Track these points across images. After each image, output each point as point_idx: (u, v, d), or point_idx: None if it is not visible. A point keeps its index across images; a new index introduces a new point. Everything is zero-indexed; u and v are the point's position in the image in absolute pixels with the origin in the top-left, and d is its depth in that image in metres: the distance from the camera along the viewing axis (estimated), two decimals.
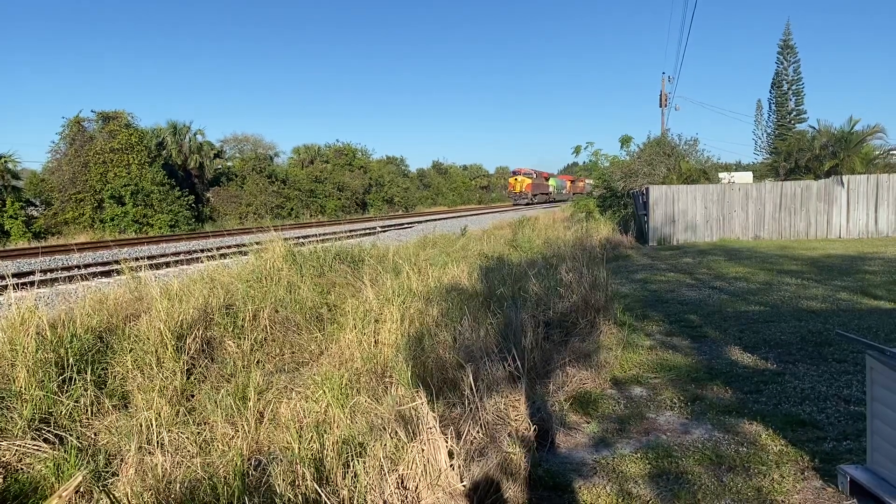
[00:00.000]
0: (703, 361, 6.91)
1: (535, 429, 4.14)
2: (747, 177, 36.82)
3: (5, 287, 7.10)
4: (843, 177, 22.22)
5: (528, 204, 68.32)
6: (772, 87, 68.64)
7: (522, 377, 5.22)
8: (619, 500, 3.99)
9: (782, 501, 3.92)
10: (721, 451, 4.66)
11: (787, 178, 28.67)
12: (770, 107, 69.70)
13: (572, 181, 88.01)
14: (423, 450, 3.39)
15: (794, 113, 66.58)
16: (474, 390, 4.41)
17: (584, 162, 32.78)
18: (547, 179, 77.53)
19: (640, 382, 6.27)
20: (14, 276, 8.26)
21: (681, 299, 10.61)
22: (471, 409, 4.32)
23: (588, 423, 5.24)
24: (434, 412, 3.76)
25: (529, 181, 70.04)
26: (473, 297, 8.51)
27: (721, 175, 30.87)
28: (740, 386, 6.06)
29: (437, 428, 3.53)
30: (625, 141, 30.12)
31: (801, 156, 29.73)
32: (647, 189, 23.07)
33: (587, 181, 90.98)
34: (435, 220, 37.43)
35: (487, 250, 15.39)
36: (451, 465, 3.45)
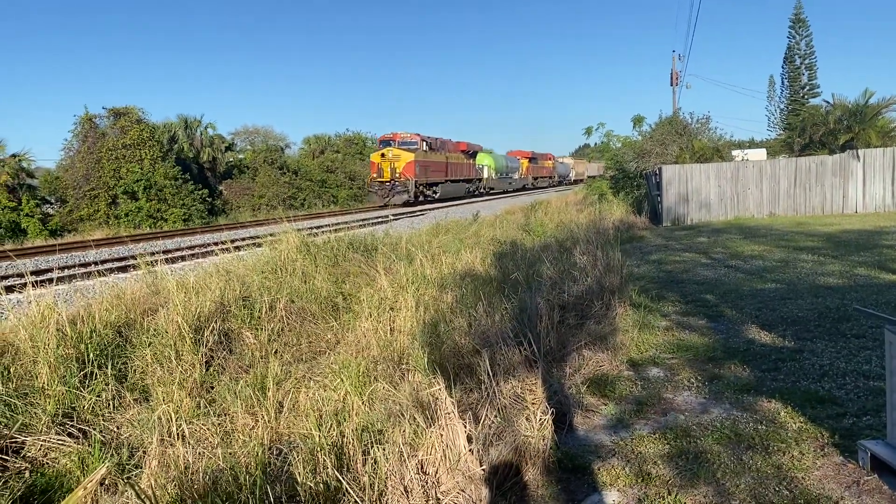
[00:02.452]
0: (720, 340, 6.89)
1: (552, 412, 4.15)
2: (761, 153, 36.48)
3: (24, 285, 7.17)
4: (859, 151, 21.95)
5: (407, 203, 38.02)
6: (784, 62, 67.79)
7: (539, 361, 5.23)
8: (639, 481, 4.00)
9: (802, 478, 3.91)
10: (740, 430, 4.65)
11: (801, 153, 28.36)
12: (783, 82, 68.87)
13: (532, 159, 68.37)
14: (441, 435, 3.41)
15: (808, 88, 65.71)
16: (491, 375, 4.43)
17: (596, 143, 32.66)
18: (469, 156, 50.31)
19: (656, 363, 6.26)
20: (33, 273, 8.35)
21: (696, 279, 10.56)
22: (488, 393, 4.34)
23: (605, 405, 5.25)
24: (452, 397, 3.77)
25: (411, 158, 38.37)
26: (487, 282, 8.51)
27: (734, 153, 30.62)
28: (758, 364, 6.04)
29: (456, 413, 3.55)
30: (637, 121, 29.94)
31: (816, 131, 29.39)
32: (659, 169, 22.92)
33: (564, 160, 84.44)
34: (447, 206, 37.38)
35: (500, 235, 15.37)
36: (469, 450, 3.47)
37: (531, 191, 64.40)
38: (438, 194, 42.52)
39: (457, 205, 39.24)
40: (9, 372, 5.52)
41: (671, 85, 36.96)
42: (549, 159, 77.63)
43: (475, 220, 19.94)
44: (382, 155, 39.01)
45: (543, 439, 3.98)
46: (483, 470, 3.51)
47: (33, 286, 6.94)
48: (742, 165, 22.85)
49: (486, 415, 4.07)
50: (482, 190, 53.76)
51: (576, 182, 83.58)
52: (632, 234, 18.23)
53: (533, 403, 4.34)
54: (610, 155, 30.64)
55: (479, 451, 3.59)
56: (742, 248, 13.88)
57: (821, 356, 6.11)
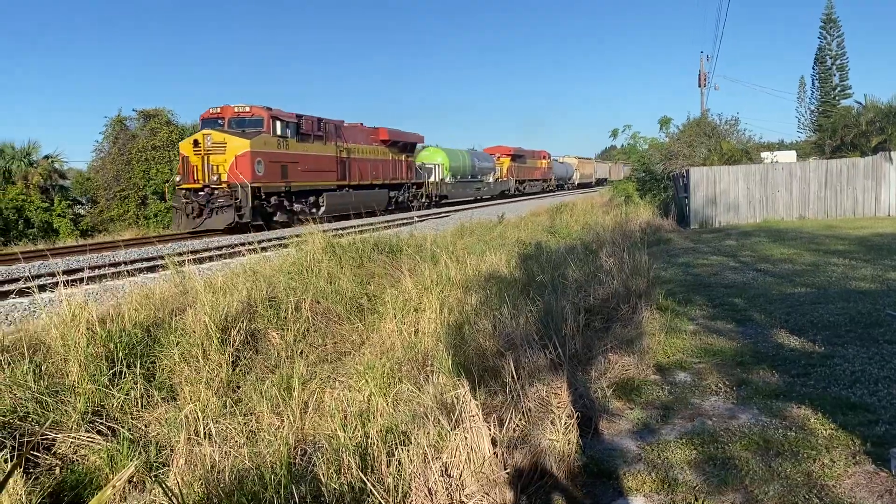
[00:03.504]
0: (748, 345, 6.79)
1: (578, 416, 4.13)
2: (791, 156, 35.98)
3: (56, 284, 7.30)
4: (892, 153, 21.52)
5: (237, 226, 22.65)
6: (815, 62, 66.65)
7: (564, 364, 5.20)
8: (665, 487, 3.95)
9: (833, 487, 3.84)
10: (769, 436, 4.57)
11: (832, 155, 27.90)
12: (813, 83, 67.71)
13: (515, 157, 55.20)
14: (466, 437, 3.41)
15: (839, 89, 64.55)
16: (516, 378, 4.41)
17: (623, 145, 32.43)
18: (399, 150, 35.87)
19: (683, 368, 6.19)
20: (64, 273, 8.50)
21: (724, 282, 10.42)
22: (512, 396, 4.33)
23: (631, 409, 5.20)
24: (476, 400, 3.77)
25: (245, 148, 22.78)
26: (512, 284, 8.48)
27: (763, 154, 30.23)
28: (787, 369, 5.94)
29: (480, 416, 3.54)
30: (664, 122, 29.65)
31: (847, 132, 28.92)
32: (687, 171, 22.69)
33: (565, 159, 72.29)
34: (472, 208, 37.27)
35: (525, 237, 15.32)
36: (494, 453, 3.46)
37: (516, 198, 51.71)
38: (323, 208, 27.21)
39: (482, 206, 38.39)
40: (41, 370, 5.62)
41: (699, 86, 36.68)
42: (543, 157, 64.24)
43: (500, 222, 19.91)
44: (196, 143, 22.81)
45: (569, 444, 3.96)
46: (507, 473, 3.49)
47: (65, 285, 7.06)
48: (771, 168, 22.53)
49: (511, 418, 4.05)
50: (424, 199, 38.54)
51: (582, 186, 75.06)
52: (658, 236, 18.06)
53: (558, 407, 4.32)
54: (636, 157, 30.39)
55: (503, 455, 3.58)
56: (771, 252, 13.68)
57: (852, 362, 6.00)
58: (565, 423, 3.99)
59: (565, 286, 7.78)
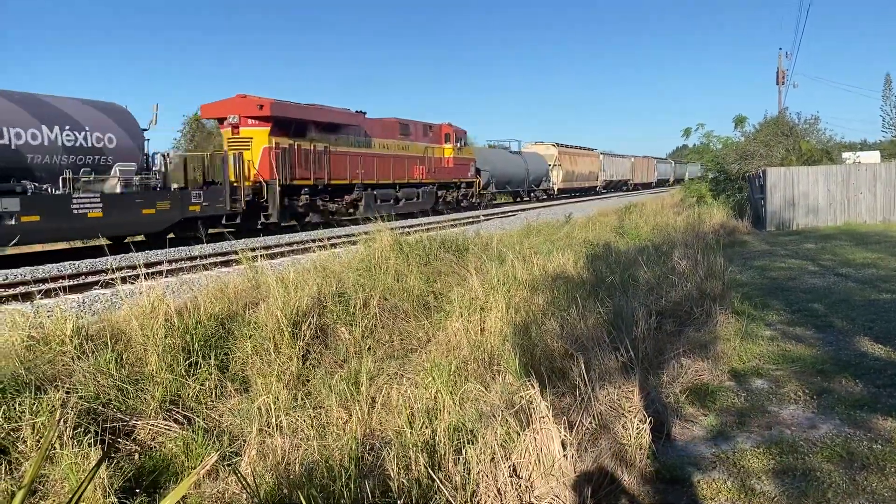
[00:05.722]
0: (829, 353, 6.51)
1: (650, 420, 4.02)
2: (874, 156, 34.38)
3: (137, 276, 7.59)
4: None
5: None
6: None
7: (636, 367, 5.08)
8: (742, 496, 3.82)
9: None
10: (852, 448, 4.37)
11: None
12: None
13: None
14: (536, 439, 3.36)
15: None
16: (586, 380, 4.33)
17: (695, 144, 31.60)
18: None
19: (760, 374, 5.97)
20: (145, 265, 8.83)
21: (803, 287, 10.02)
22: (582, 398, 4.25)
23: (705, 415, 5.05)
24: (545, 401, 3.71)
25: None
26: (580, 285, 8.35)
27: (845, 155, 28.98)
28: (872, 379, 5.67)
29: (551, 417, 3.49)
30: (739, 121, 28.71)
31: None
32: (763, 171, 21.93)
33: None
34: (538, 207, 36.96)
35: (592, 238, 15.08)
36: (564, 455, 3.40)
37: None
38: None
39: (548, 206, 38.02)
40: (122, 359, 5.83)
41: (777, 84, 35.36)
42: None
43: (567, 222, 19.68)
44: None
45: (641, 448, 3.87)
46: (578, 476, 3.43)
47: (145, 278, 7.32)
48: (854, 168, 21.55)
49: (581, 420, 3.98)
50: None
51: (641, 188, 67.18)
52: (733, 238, 17.50)
53: (629, 411, 4.22)
54: (710, 156, 29.53)
55: (573, 457, 3.52)
56: (853, 256, 13.07)
57: None
58: (637, 428, 3.90)
59: (636, 288, 7.62)
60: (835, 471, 4.07)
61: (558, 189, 49.80)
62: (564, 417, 3.97)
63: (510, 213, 31.59)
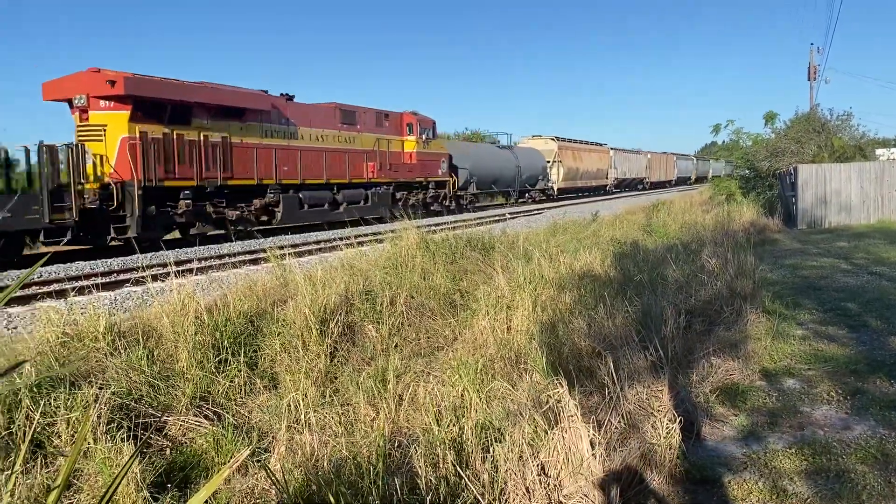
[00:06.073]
0: (863, 352, 6.39)
1: (680, 420, 3.98)
2: None
3: (167, 274, 7.69)
4: None
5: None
6: None
7: (665, 367, 5.03)
8: (773, 498, 3.76)
9: None
10: (888, 450, 4.29)
11: None
12: None
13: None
14: (564, 437, 3.35)
15: None
16: (615, 379, 4.30)
17: (724, 141, 31.22)
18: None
19: (792, 374, 5.88)
20: (175, 263, 8.96)
21: (836, 286, 9.84)
22: (610, 397, 4.22)
23: (736, 415, 4.98)
24: (574, 400, 3.70)
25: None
26: (607, 284, 8.30)
27: (879, 151, 28.42)
28: None
29: (579, 416, 3.47)
30: (769, 118, 28.28)
31: None
32: (794, 169, 21.59)
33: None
34: (565, 205, 36.54)
35: (620, 236, 14.97)
36: (593, 454, 3.38)
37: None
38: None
39: (575, 204, 37.40)
40: (153, 355, 5.91)
41: (808, 80, 34.75)
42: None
43: (594, 220, 19.55)
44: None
45: (670, 448, 3.83)
46: (606, 475, 3.41)
47: (175, 276, 7.42)
48: (888, 165, 21.11)
49: (609, 420, 3.96)
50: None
51: (658, 187, 61.69)
52: (763, 236, 17.25)
53: (659, 410, 4.18)
54: (740, 153, 29.14)
55: (602, 457, 3.49)
56: (888, 254, 12.81)
57: None
58: (667, 427, 3.87)
59: (664, 286, 7.55)
60: (869, 472, 4.00)
61: (559, 189, 43.80)
62: (593, 416, 3.94)
63: (535, 212, 31.18)
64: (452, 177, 30.98)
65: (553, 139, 44.42)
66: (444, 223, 21.26)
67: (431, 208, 29.66)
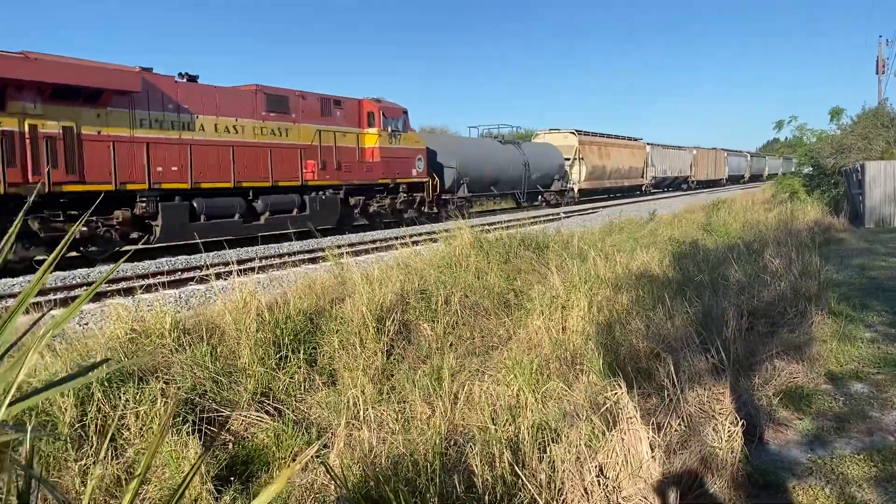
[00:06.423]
0: None
1: (742, 423, 3.90)
2: None
3: (229, 273, 7.90)
4: None
5: None
6: None
7: (727, 369, 4.93)
8: None
9: None
10: None
11: None
12: None
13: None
14: (623, 439, 3.32)
15: None
16: (675, 381, 4.24)
17: (787, 138, 30.28)
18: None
19: (860, 378, 5.69)
20: (237, 262, 9.20)
21: None
22: (671, 399, 4.17)
23: (800, 419, 4.85)
24: (633, 401, 3.66)
25: None
26: (666, 284, 8.17)
27: None
28: None
29: (638, 418, 3.44)
30: (835, 113, 27.31)
31: None
32: (861, 165, 20.82)
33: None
34: (620, 204, 35.52)
35: (678, 235, 14.71)
36: (652, 457, 3.34)
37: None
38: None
39: (629, 203, 36.16)
40: (216, 351, 6.08)
41: (876, 73, 33.47)
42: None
43: (651, 219, 19.26)
44: None
45: (732, 452, 3.76)
46: (666, 478, 3.37)
47: (237, 274, 7.62)
48: None
49: (669, 422, 3.90)
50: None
51: (706, 186, 56.79)
52: (828, 236, 16.70)
53: (720, 413, 4.11)
54: (804, 150, 28.24)
55: (661, 459, 3.45)
56: None
57: None
58: (729, 431, 3.79)
59: (726, 287, 7.39)
60: None
61: (581, 190, 38.19)
62: (651, 419, 3.90)
63: (589, 211, 30.57)
64: (434, 177, 25.46)
65: (573, 133, 38.61)
66: (417, 234, 17.07)
67: (405, 215, 24.33)
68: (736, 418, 3.95)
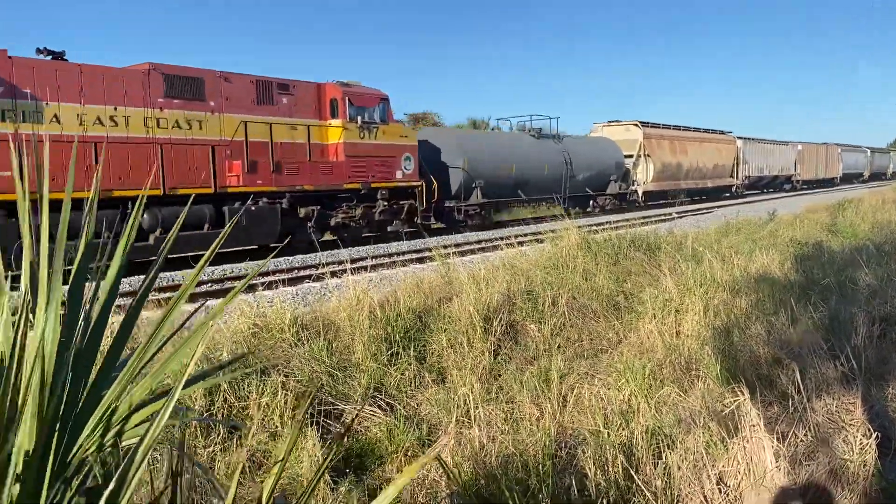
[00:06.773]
0: None
1: (876, 435, 3.67)
2: None
3: (343, 271, 8.19)
4: None
5: None
6: None
7: (858, 378, 4.65)
8: None
9: None
10: None
11: None
12: None
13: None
14: (745, 447, 3.20)
15: None
16: (801, 389, 4.04)
17: None
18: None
19: None
20: (351, 261, 9.52)
21: None
22: (795, 409, 3.97)
23: None
24: (756, 409, 3.52)
25: None
26: (788, 287, 7.78)
27: None
28: None
29: (762, 425, 3.30)
30: None
31: None
32: None
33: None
34: (737, 204, 33.11)
35: (800, 236, 13.96)
36: (777, 466, 3.20)
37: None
38: None
39: (748, 202, 33.62)
40: (331, 347, 6.31)
41: None
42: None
43: (771, 220, 18.35)
44: None
45: (864, 465, 3.54)
46: (791, 490, 3.22)
47: (351, 273, 7.89)
48: None
49: (794, 432, 3.72)
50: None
51: (788, 189, 47.60)
52: None
53: (851, 424, 3.88)
54: None
55: (786, 469, 3.30)
56: None
57: None
58: (861, 443, 3.58)
59: (854, 291, 6.95)
60: None
61: (646, 192, 31.99)
62: (775, 428, 3.73)
63: (704, 211, 29.00)
64: (432, 181, 20.32)
65: (636, 125, 32.29)
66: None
67: (388, 228, 19.56)
68: (869, 430, 3.72)
